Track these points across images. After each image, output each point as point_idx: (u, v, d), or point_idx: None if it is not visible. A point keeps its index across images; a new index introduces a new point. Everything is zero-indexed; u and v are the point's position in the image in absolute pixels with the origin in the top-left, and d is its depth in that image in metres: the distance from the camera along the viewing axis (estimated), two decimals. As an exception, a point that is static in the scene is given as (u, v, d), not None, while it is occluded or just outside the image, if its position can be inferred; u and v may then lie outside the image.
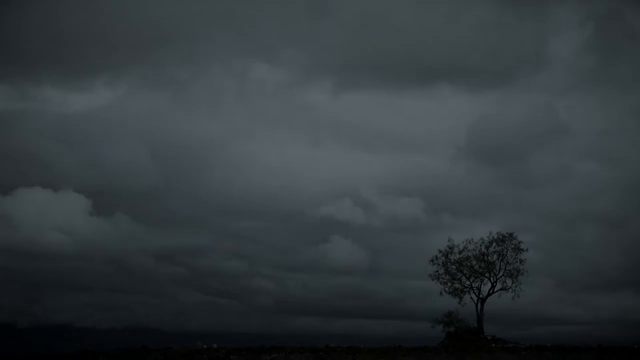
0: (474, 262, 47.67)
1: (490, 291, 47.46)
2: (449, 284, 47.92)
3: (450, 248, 48.21)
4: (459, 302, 47.62)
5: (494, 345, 39.61)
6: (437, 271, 48.10)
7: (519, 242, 47.52)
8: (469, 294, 47.76)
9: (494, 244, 47.57)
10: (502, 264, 47.41)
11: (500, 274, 47.40)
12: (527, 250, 47.71)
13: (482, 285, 47.78)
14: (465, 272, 47.71)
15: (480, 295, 47.49)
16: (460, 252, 47.99)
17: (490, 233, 48.42)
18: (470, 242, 47.97)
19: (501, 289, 47.39)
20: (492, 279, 47.51)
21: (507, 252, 47.46)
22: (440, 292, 47.95)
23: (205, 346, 31.40)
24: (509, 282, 47.31)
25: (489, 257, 47.54)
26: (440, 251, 48.31)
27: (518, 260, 47.33)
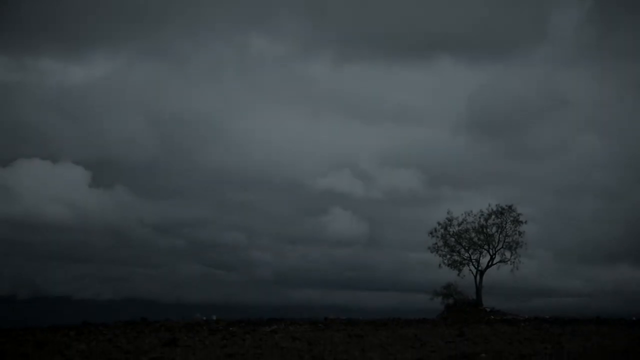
0: (473, 235, 47.70)
1: (489, 263, 47.53)
2: (448, 256, 47.99)
3: (449, 220, 48.20)
4: (458, 275, 47.73)
5: (492, 317, 39.74)
6: (436, 243, 48.14)
7: (518, 215, 47.53)
8: (468, 266, 47.85)
9: (493, 217, 47.55)
10: (501, 236, 47.44)
11: (499, 246, 47.46)
12: (526, 222, 47.74)
13: (481, 258, 47.86)
14: (464, 244, 47.75)
15: (479, 268, 47.57)
16: (459, 225, 47.99)
17: (489, 205, 48.42)
18: (469, 215, 47.95)
19: (500, 261, 47.47)
20: (491, 251, 47.58)
21: (506, 224, 47.46)
22: (439, 265, 48.04)
23: (204, 318, 31.41)
24: (507, 254, 47.39)
25: (488, 230, 47.56)
26: (439, 223, 48.32)
27: (517, 233, 47.36)
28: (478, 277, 47.42)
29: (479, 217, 47.77)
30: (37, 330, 25.70)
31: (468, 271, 47.77)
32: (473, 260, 47.87)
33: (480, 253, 47.86)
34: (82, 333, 24.26)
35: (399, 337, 24.98)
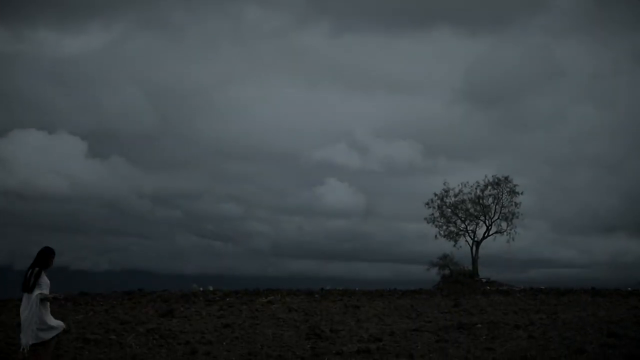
0: (469, 205, 47.80)
1: (486, 234, 47.69)
2: (444, 227, 48.15)
3: (445, 191, 48.26)
4: (454, 245, 47.91)
5: (488, 287, 39.93)
6: (432, 214, 48.26)
7: (514, 186, 47.59)
8: (464, 237, 48.02)
9: (490, 187, 47.61)
10: (497, 207, 47.56)
11: (496, 217, 47.59)
12: (522, 193, 47.82)
13: (477, 229, 48.01)
14: (460, 215, 47.87)
15: (475, 239, 47.73)
16: (455, 196, 48.07)
17: (486, 176, 48.48)
18: (465, 186, 47.99)
19: (496, 232, 47.64)
20: (487, 222, 47.71)
21: (502, 195, 47.56)
22: (436, 235, 48.20)
23: (201, 288, 31.47)
24: (504, 225, 47.56)
25: (485, 201, 47.65)
26: (435, 194, 48.39)
27: (513, 204, 47.48)
28: (474, 248, 47.61)
29: (475, 188, 47.84)
30: (34, 300, 25.73)
31: (464, 242, 47.97)
32: (469, 231, 48.04)
33: (477, 224, 48.02)
34: (79, 304, 24.29)
35: (395, 307, 25.06)
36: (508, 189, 47.52)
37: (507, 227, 47.48)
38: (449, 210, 48.12)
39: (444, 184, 49.06)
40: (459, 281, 44.11)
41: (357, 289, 36.21)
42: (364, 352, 12.86)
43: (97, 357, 12.15)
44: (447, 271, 46.80)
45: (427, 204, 48.30)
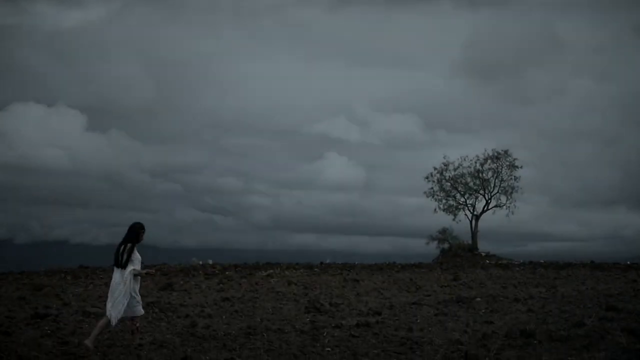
0: (468, 179, 47.82)
1: (485, 208, 47.76)
2: (444, 200, 48.23)
3: (445, 165, 48.26)
4: (454, 219, 48.03)
5: (487, 261, 40.05)
6: (432, 188, 48.32)
7: (514, 159, 47.60)
8: (464, 211, 48.11)
9: (489, 161, 47.59)
10: (496, 181, 47.60)
11: (495, 191, 47.64)
12: (521, 167, 47.85)
13: (476, 202, 48.09)
14: (459, 189, 47.90)
15: (475, 212, 47.80)
16: (455, 169, 48.08)
17: (485, 150, 48.45)
18: (465, 159, 47.99)
19: (495, 206, 47.73)
20: (486, 196, 47.76)
21: (501, 169, 47.58)
22: (435, 209, 48.29)
23: (200, 262, 31.51)
24: (503, 199, 47.66)
25: (484, 174, 47.67)
26: (435, 168, 48.41)
27: (513, 178, 47.55)
28: (473, 221, 47.69)
29: (475, 162, 47.85)
30: (34, 274, 25.77)
31: (463, 216, 48.09)
32: (469, 205, 48.12)
33: (476, 198, 48.09)
34: (78, 277, 24.32)
35: (395, 281, 25.11)
36: (508, 163, 47.53)
37: (507, 201, 47.59)
38: (449, 184, 48.15)
39: (444, 157, 49.06)
40: (459, 255, 44.25)
41: (356, 262, 36.30)
42: (363, 326, 12.87)
43: (96, 331, 12.13)
44: (446, 245, 46.95)
45: (427, 177, 48.34)
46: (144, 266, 10.77)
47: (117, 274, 10.37)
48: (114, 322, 10.27)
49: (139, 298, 10.42)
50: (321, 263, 34.26)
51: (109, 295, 10.41)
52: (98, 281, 22.85)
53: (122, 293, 10.22)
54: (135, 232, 10.51)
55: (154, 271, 12.33)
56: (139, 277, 10.50)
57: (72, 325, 12.77)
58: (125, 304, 10.20)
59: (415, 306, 16.75)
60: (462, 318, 14.26)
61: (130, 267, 10.27)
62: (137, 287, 10.45)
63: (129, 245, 10.41)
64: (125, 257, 10.30)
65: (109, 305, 10.33)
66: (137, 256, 10.44)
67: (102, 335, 11.53)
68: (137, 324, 10.48)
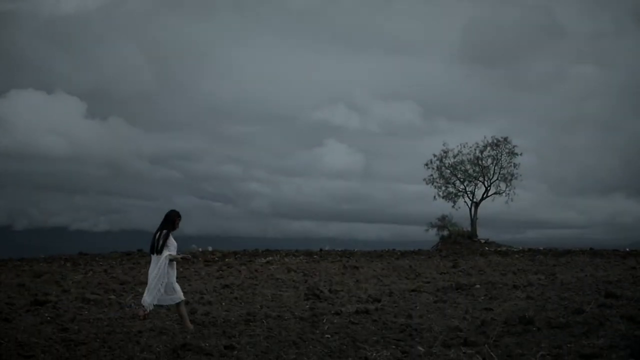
0: (468, 166, 47.81)
1: (484, 195, 47.78)
2: (443, 188, 48.26)
3: (444, 152, 48.25)
4: (453, 206, 48.09)
5: (487, 248, 40.12)
6: (431, 175, 48.34)
7: (513, 147, 47.58)
8: (463, 198, 48.15)
9: (489, 148, 47.57)
10: (496, 168, 47.60)
11: (494, 178, 47.65)
12: (521, 154, 47.83)
13: (476, 190, 48.12)
14: (459, 176, 47.90)
15: (474, 200, 47.83)
16: (454, 156, 48.08)
17: (485, 137, 48.42)
18: (464, 146, 47.96)
19: (495, 193, 47.76)
20: (486, 183, 47.78)
21: (501, 156, 47.55)
22: (435, 196, 48.33)
23: (200, 249, 31.54)
24: (502, 186, 47.68)
25: (483, 161, 47.65)
26: (434, 155, 48.41)
27: (512, 165, 47.55)
28: (473, 208, 47.73)
29: (475, 149, 47.84)
30: (34, 260, 25.81)
31: (463, 203, 48.15)
32: (468, 192, 48.14)
33: (475, 185, 48.12)
34: (78, 264, 24.36)
35: (394, 268, 25.15)
36: (507, 150, 47.51)
37: (506, 188, 47.63)
38: (448, 171, 48.15)
39: (443, 144, 49.09)
40: (458, 242, 44.32)
41: (356, 249, 36.37)
42: (362, 313, 12.89)
43: (96, 317, 12.17)
44: (445, 232, 47.00)
45: (426, 164, 48.35)
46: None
47: (153, 261, 10.63)
48: (149, 308, 10.54)
49: (175, 287, 10.65)
50: (320, 250, 34.31)
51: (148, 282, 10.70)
52: (97, 268, 22.89)
53: (156, 278, 10.46)
54: (171, 220, 10.78)
55: (189, 256, 12.53)
56: (175, 263, 10.72)
57: (72, 312, 12.79)
58: (162, 290, 10.46)
59: (415, 293, 16.77)
60: (461, 305, 14.27)
61: (165, 253, 10.50)
62: (174, 273, 10.67)
63: (164, 231, 10.65)
64: (161, 242, 10.55)
65: (145, 291, 10.66)
66: (172, 242, 10.67)
67: (103, 322, 11.57)
68: (182, 311, 10.74)
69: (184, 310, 10.86)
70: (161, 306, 11.02)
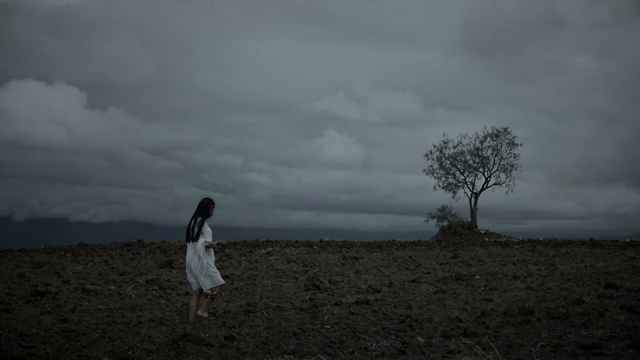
0: (468, 157, 47.88)
1: (484, 186, 47.85)
2: (443, 178, 48.33)
3: (444, 143, 48.27)
4: (453, 197, 48.18)
5: (487, 239, 40.16)
6: (431, 166, 48.41)
7: (513, 137, 47.64)
8: (463, 188, 48.20)
9: (489, 139, 47.62)
10: (496, 158, 47.67)
11: (494, 168, 47.72)
12: (521, 145, 47.89)
13: (476, 180, 48.18)
14: (459, 166, 47.95)
15: (474, 190, 47.88)
16: (454, 147, 48.13)
17: (485, 128, 48.45)
18: (464, 137, 48.01)
19: (495, 184, 47.84)
20: (486, 173, 47.84)
21: (501, 147, 47.61)
22: (435, 187, 48.40)
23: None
24: (502, 177, 47.76)
25: (483, 152, 47.69)
26: (434, 146, 48.46)
27: (512, 155, 47.61)
28: (473, 199, 47.79)
29: (475, 140, 47.90)
30: (34, 251, 25.81)
31: (463, 194, 48.23)
32: (468, 183, 48.22)
33: (475, 175, 48.20)
34: (78, 254, 24.35)
35: (394, 259, 25.16)
36: (507, 141, 47.55)
37: (506, 178, 47.68)
38: (448, 161, 48.19)
39: (443, 135, 49.09)
40: (458, 233, 44.39)
41: (355, 240, 36.37)
42: (362, 303, 12.90)
43: (96, 308, 12.18)
44: (445, 223, 47.06)
45: (426, 155, 48.41)
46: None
47: (190, 249, 10.81)
48: (209, 291, 10.70)
49: (214, 269, 10.78)
50: (320, 241, 34.31)
51: (187, 271, 10.92)
52: (98, 259, 22.88)
53: (198, 266, 10.66)
54: (205, 207, 10.96)
55: (225, 242, 12.63)
56: (212, 250, 10.84)
57: (72, 302, 12.79)
58: (214, 274, 10.68)
59: (415, 284, 16.78)
60: (461, 295, 14.29)
61: (201, 240, 10.68)
62: (212, 259, 10.82)
63: (199, 219, 10.83)
64: (196, 230, 10.73)
65: (191, 279, 10.85)
66: (207, 230, 10.84)
67: (103, 313, 11.58)
68: (215, 292, 10.85)
69: (207, 300, 10.90)
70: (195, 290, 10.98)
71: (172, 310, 12.01)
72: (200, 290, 10.81)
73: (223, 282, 11.02)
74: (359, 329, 10.01)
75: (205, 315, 10.76)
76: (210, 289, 10.69)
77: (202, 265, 10.65)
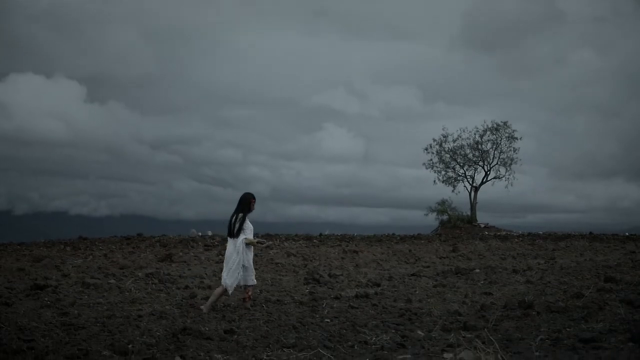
0: (467, 151, 47.81)
1: (484, 180, 47.81)
2: (443, 172, 48.29)
3: (444, 137, 48.23)
4: (453, 191, 48.13)
5: (486, 233, 40.16)
6: (431, 160, 48.35)
7: (513, 131, 47.56)
8: (463, 182, 48.17)
9: (488, 133, 47.54)
10: (495, 152, 47.60)
11: (494, 162, 47.66)
12: (521, 139, 47.82)
13: (475, 174, 48.15)
14: (459, 160, 47.91)
15: (474, 184, 47.85)
16: (454, 141, 48.05)
17: (485, 122, 48.39)
18: (464, 131, 47.92)
19: (494, 178, 47.80)
20: (485, 167, 47.79)
21: (501, 140, 47.54)
22: (434, 181, 48.36)
23: (200, 234, 31.55)
24: (502, 170, 47.71)
25: (483, 146, 47.63)
26: (434, 140, 48.39)
27: (512, 149, 47.55)
28: (472, 193, 47.77)
29: (474, 134, 47.83)
30: (34, 244, 25.82)
31: (462, 187, 48.19)
32: (468, 177, 48.18)
33: (475, 169, 48.16)
34: (78, 248, 24.36)
35: (394, 252, 25.17)
36: (507, 135, 47.49)
37: (506, 172, 47.65)
38: (448, 155, 48.15)
39: (443, 129, 49.12)
40: (457, 226, 44.37)
41: (355, 234, 36.37)
42: (362, 297, 12.90)
43: (96, 302, 12.18)
44: (445, 216, 47.02)
45: (426, 149, 48.35)
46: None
47: (230, 244, 10.87)
48: (230, 290, 10.80)
49: (252, 268, 10.93)
50: (320, 234, 34.32)
51: (224, 264, 10.94)
52: (97, 252, 22.89)
53: (235, 262, 10.73)
54: (247, 202, 10.95)
55: (264, 242, 12.36)
56: (252, 246, 10.94)
57: (72, 296, 12.80)
58: (241, 273, 10.73)
59: (414, 277, 16.79)
60: (461, 289, 14.29)
61: (242, 236, 10.73)
62: (251, 256, 10.93)
63: (240, 215, 10.84)
64: (237, 226, 10.77)
65: (224, 274, 10.86)
66: (249, 226, 10.87)
67: (103, 307, 11.58)
68: (250, 293, 11.05)
69: (220, 292, 11.01)
70: (238, 287, 11.09)
71: (172, 304, 12.01)
72: (244, 286, 10.97)
73: (254, 282, 11.14)
74: (359, 323, 10.01)
75: (205, 310, 10.77)
76: (246, 287, 10.86)
77: (241, 262, 10.70)
